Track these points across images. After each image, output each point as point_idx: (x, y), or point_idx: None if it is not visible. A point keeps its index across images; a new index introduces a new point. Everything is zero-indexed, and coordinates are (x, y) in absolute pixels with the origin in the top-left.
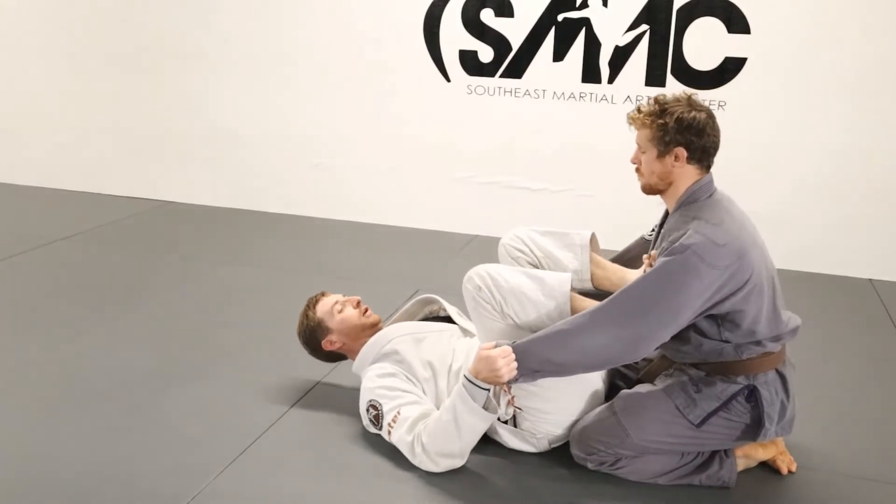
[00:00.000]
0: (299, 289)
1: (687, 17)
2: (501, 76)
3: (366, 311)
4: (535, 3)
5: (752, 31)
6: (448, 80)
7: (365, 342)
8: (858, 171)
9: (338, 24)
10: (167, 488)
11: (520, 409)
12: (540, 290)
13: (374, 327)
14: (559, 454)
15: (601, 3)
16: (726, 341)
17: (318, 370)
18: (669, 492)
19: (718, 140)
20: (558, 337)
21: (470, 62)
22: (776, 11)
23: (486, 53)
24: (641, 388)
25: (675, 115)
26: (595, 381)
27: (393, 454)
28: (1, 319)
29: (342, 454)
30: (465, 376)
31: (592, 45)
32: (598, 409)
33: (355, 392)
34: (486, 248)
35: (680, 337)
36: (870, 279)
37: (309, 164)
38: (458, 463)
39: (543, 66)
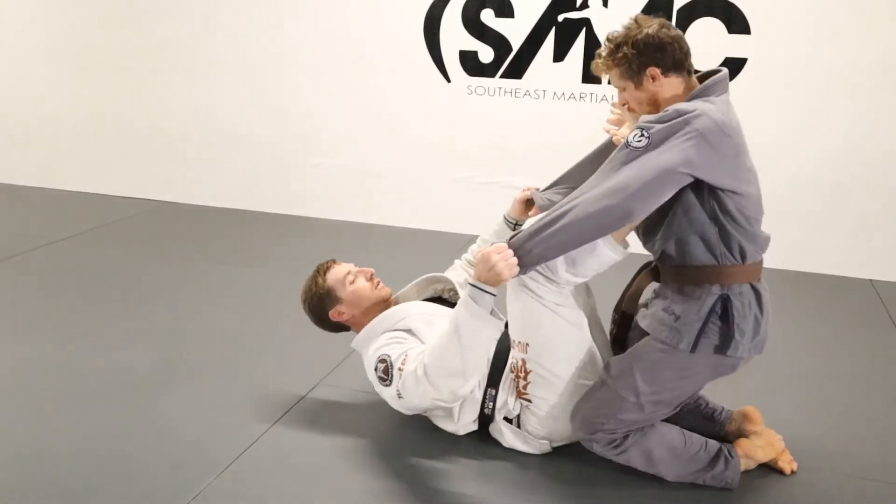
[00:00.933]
0: (296, 290)
1: (687, 17)
2: (502, 76)
3: (378, 284)
4: (535, 4)
5: (752, 31)
6: (448, 80)
7: (374, 317)
8: (859, 171)
9: (338, 25)
10: (166, 489)
11: (529, 400)
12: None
13: (385, 302)
14: (561, 454)
15: (601, 3)
16: (714, 223)
17: (317, 372)
18: (671, 494)
19: (682, 42)
20: (552, 223)
21: (470, 62)
22: (776, 12)
23: (486, 54)
24: (626, 352)
25: (630, 42)
26: None
27: (393, 453)
28: (2, 319)
29: (341, 455)
30: (469, 282)
31: (593, 46)
32: (589, 389)
33: (354, 393)
34: None
35: (661, 227)
36: (870, 279)
37: (309, 164)
38: (459, 384)
39: (544, 66)
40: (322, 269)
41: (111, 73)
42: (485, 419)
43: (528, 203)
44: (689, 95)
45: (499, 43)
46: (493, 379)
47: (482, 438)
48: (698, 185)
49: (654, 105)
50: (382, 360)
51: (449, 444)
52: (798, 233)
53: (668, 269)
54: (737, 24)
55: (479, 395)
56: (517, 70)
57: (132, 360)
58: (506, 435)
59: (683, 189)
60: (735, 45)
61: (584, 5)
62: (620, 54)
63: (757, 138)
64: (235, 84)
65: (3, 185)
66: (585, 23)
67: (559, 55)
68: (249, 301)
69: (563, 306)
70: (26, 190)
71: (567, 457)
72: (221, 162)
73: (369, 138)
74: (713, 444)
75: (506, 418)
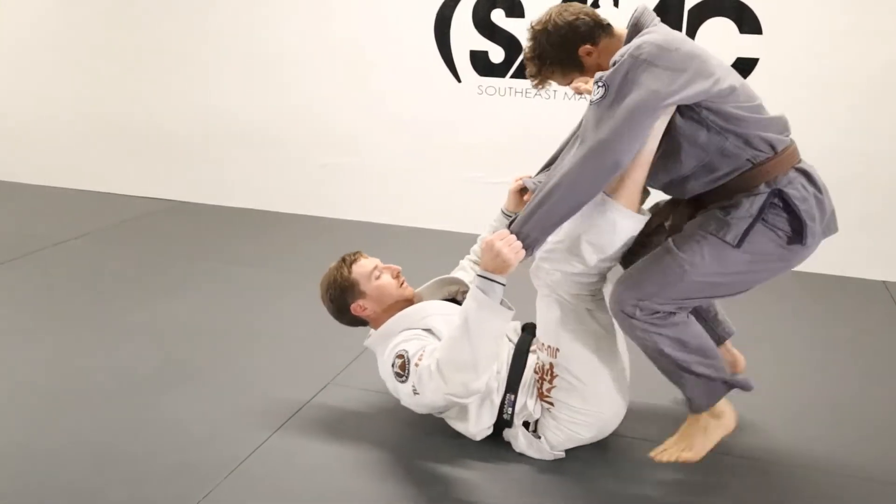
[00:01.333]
0: (306, 291)
1: (698, 17)
2: (512, 76)
3: (403, 283)
4: (545, 4)
5: (763, 31)
6: (459, 80)
7: (393, 315)
8: (874, 172)
9: (348, 24)
10: (171, 491)
11: (552, 403)
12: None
13: (408, 302)
14: (573, 457)
15: (612, 3)
16: (725, 133)
17: (326, 372)
18: (674, 493)
19: (581, 10)
20: (546, 198)
21: (481, 62)
22: (788, 12)
23: (496, 54)
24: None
25: (547, 48)
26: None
27: (403, 455)
28: (11, 318)
29: (350, 457)
30: (477, 273)
31: None
32: (650, 254)
33: (364, 394)
34: None
35: (681, 168)
36: (883, 281)
37: (317, 163)
38: (471, 378)
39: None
40: (348, 261)
41: (120, 72)
42: (502, 423)
43: (523, 192)
44: (624, 41)
45: (509, 43)
46: (512, 384)
47: (495, 441)
48: (683, 112)
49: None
50: (400, 356)
51: (459, 447)
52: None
53: (709, 195)
54: (748, 24)
55: (498, 401)
56: None
57: (140, 360)
58: (520, 440)
59: (673, 124)
60: (746, 46)
61: (595, 5)
62: (548, 62)
63: None
64: (246, 83)
65: (12, 184)
66: None
67: None
68: (258, 301)
69: (598, 311)
70: (35, 189)
71: (577, 460)
72: (231, 161)
73: (379, 138)
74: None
75: (525, 423)
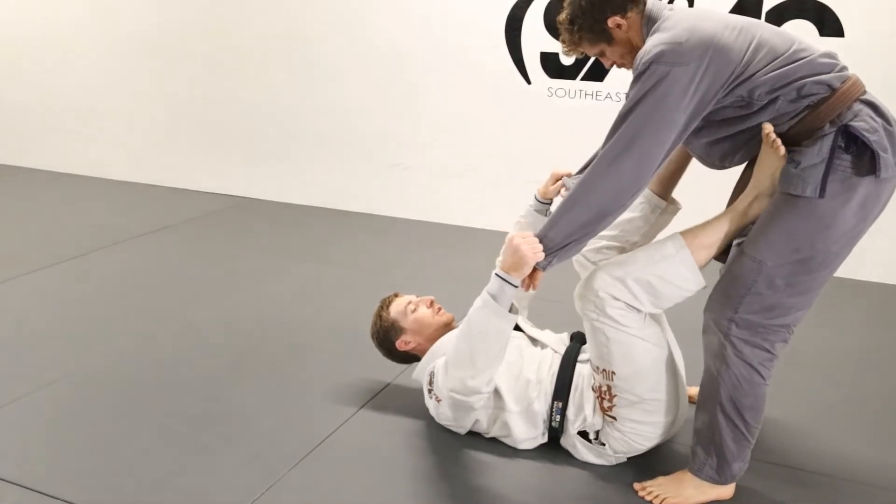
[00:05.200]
0: (374, 288)
1: (777, 18)
2: (583, 79)
3: (439, 310)
4: None
5: (845, 34)
6: (529, 82)
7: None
8: None
9: (419, 25)
10: (241, 480)
11: (614, 418)
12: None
13: (448, 326)
14: (632, 463)
15: (687, 4)
16: (772, 97)
17: (390, 371)
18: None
19: None
20: (568, 203)
21: (551, 64)
22: (871, 13)
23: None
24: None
25: (579, 11)
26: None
27: (467, 447)
28: (87, 311)
29: (410, 454)
30: (494, 272)
31: None
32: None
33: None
34: None
35: (744, 137)
36: None
37: (387, 163)
38: (469, 375)
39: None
40: (385, 304)
41: (198, 71)
42: (554, 433)
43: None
44: (643, 31)
45: None
46: (560, 393)
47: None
48: (723, 104)
49: (634, 50)
50: (432, 373)
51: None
52: (884, 242)
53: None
54: (829, 26)
55: (540, 408)
56: (599, 72)
57: (212, 352)
58: (580, 449)
59: (720, 115)
60: (827, 48)
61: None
62: (576, 27)
63: None
64: (317, 84)
65: (93, 179)
66: None
67: None
68: (325, 298)
69: (647, 328)
70: (115, 184)
71: (636, 467)
72: (302, 160)
73: (448, 139)
74: None
75: (581, 432)
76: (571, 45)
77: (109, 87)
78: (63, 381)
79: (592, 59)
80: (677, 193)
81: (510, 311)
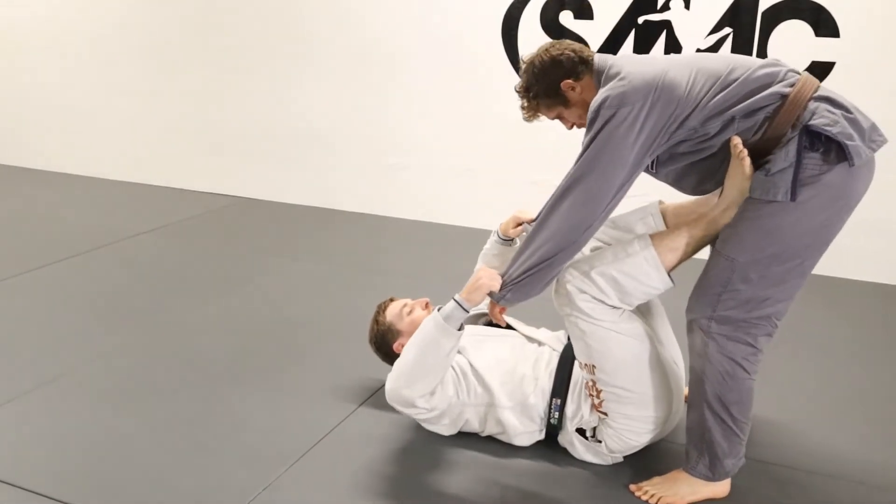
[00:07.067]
0: (372, 288)
1: (773, 19)
2: None
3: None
4: (615, 5)
5: (840, 34)
6: None
7: None
8: None
9: (415, 26)
10: (236, 481)
11: (605, 413)
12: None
13: None
14: (630, 463)
15: (683, 5)
16: (726, 124)
17: (387, 370)
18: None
19: (566, 46)
20: (526, 241)
21: None
22: (867, 14)
23: None
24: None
25: (533, 82)
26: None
27: (465, 447)
28: (85, 310)
29: (407, 454)
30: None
31: (673, 48)
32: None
33: None
34: None
35: (712, 165)
36: None
37: (384, 164)
38: (401, 384)
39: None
40: (381, 308)
41: (196, 72)
42: (552, 429)
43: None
44: (597, 89)
45: None
46: (558, 390)
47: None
48: (679, 144)
49: (587, 105)
50: None
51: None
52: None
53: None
54: (825, 27)
55: (536, 403)
56: None
57: (209, 352)
58: (577, 447)
59: (679, 155)
60: (822, 49)
61: (666, 7)
62: (532, 94)
63: None
64: (315, 84)
65: (91, 179)
66: (666, 25)
67: None
68: (322, 298)
69: (623, 322)
70: (113, 184)
71: (633, 467)
72: (298, 160)
73: (444, 139)
74: None
75: (579, 430)
76: (530, 111)
77: (109, 87)
78: (61, 380)
79: None
80: (665, 194)
81: (458, 329)
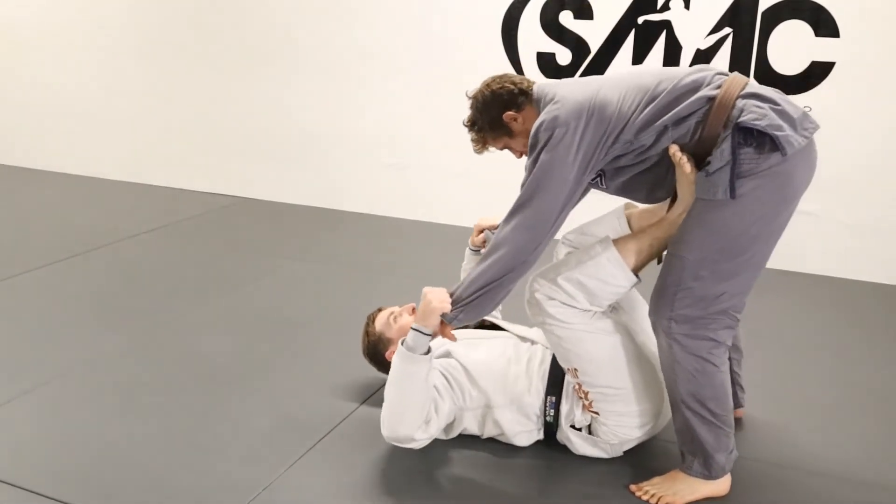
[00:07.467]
0: (372, 288)
1: (773, 19)
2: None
3: None
4: (615, 5)
5: (840, 34)
6: None
7: None
8: None
9: (414, 25)
10: (238, 480)
11: (597, 413)
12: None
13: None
14: (627, 459)
15: (683, 5)
16: (661, 134)
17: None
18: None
19: (506, 79)
20: (480, 261)
21: (548, 64)
22: (867, 14)
23: (564, 56)
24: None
25: (478, 116)
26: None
27: (467, 448)
28: (84, 309)
29: (408, 454)
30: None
31: (673, 48)
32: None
33: None
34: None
35: (656, 173)
36: None
37: (384, 164)
38: (392, 423)
39: (623, 68)
40: (370, 319)
41: (196, 72)
42: (549, 427)
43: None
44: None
45: (577, 45)
46: (553, 387)
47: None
48: (619, 158)
49: (528, 134)
50: None
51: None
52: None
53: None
54: (825, 27)
55: (530, 402)
56: (595, 72)
57: (209, 352)
58: (575, 442)
59: (622, 169)
60: (822, 49)
61: (666, 7)
62: (478, 127)
63: (844, 145)
64: (315, 84)
65: (90, 179)
66: (666, 25)
67: (638, 58)
68: (322, 297)
69: (596, 321)
70: (112, 184)
71: (633, 467)
72: (299, 160)
73: (444, 139)
74: None
75: (573, 426)
76: (478, 143)
77: (108, 87)
78: (60, 380)
79: (590, 59)
80: None
81: (426, 353)
